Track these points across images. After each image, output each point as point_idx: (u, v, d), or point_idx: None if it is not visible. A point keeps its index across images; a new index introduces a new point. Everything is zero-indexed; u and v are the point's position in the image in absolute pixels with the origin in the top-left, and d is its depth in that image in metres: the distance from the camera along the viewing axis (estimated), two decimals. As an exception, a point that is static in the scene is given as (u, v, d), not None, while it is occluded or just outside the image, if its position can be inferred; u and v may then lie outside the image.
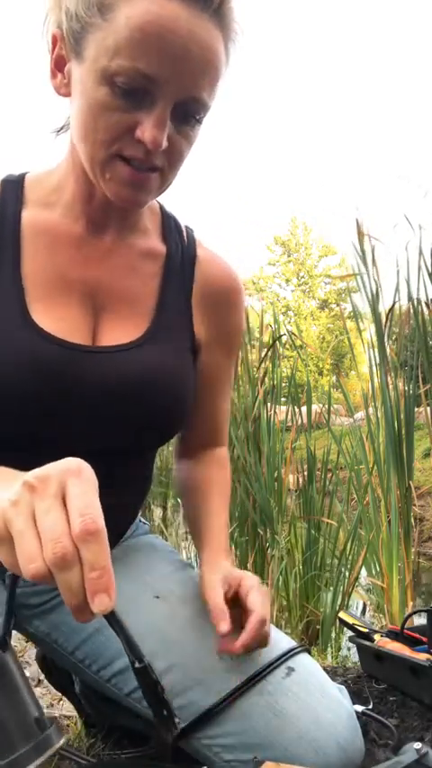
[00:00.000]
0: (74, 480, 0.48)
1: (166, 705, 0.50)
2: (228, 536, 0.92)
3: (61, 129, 0.83)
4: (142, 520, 1.05)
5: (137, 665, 0.49)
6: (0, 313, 0.75)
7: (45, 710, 1.35)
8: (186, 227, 0.93)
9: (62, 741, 0.49)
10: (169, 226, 0.90)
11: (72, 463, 0.50)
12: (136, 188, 0.72)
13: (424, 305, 2.41)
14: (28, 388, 0.74)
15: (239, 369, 2.70)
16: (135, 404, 0.79)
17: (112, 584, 0.46)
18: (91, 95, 0.67)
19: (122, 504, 0.91)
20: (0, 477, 0.57)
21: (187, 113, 0.70)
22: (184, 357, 0.86)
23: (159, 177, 0.73)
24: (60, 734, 0.49)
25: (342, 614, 1.23)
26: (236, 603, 0.77)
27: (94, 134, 0.69)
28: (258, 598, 0.76)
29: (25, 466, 0.79)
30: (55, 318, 0.77)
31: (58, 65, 0.72)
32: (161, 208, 0.91)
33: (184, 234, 0.91)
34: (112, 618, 0.47)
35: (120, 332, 0.81)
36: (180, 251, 0.89)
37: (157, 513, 4.49)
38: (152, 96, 0.67)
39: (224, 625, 0.73)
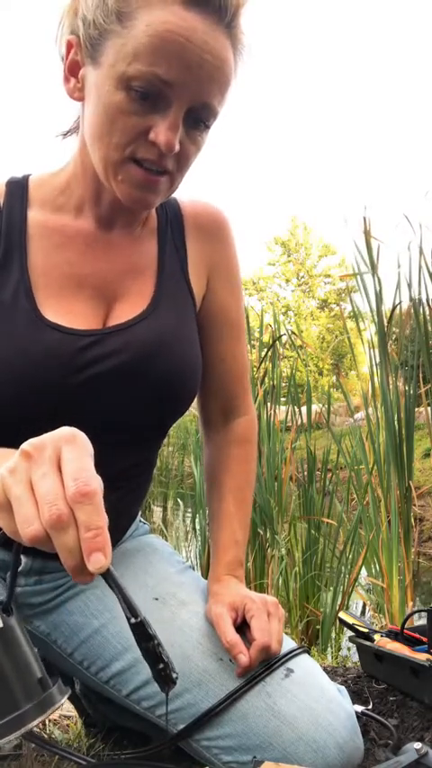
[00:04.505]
0: (68, 447, 0.50)
1: (162, 660, 0.51)
2: (241, 541, 0.92)
3: (68, 132, 0.84)
4: (142, 520, 1.05)
5: (132, 620, 0.50)
6: (10, 313, 0.77)
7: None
8: None
9: (64, 699, 0.51)
10: None
11: (66, 431, 0.52)
12: (147, 190, 0.74)
13: (425, 305, 2.41)
14: (43, 380, 0.75)
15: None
16: (143, 373, 0.80)
17: (107, 543, 0.47)
18: (108, 99, 0.69)
19: (125, 502, 0.92)
20: (1, 455, 0.59)
21: (198, 119, 0.72)
22: (187, 321, 0.88)
23: (168, 180, 0.75)
24: (63, 692, 0.51)
25: (342, 614, 1.23)
26: (245, 622, 0.80)
27: (108, 136, 0.71)
28: (259, 624, 0.78)
29: None
30: (65, 312, 0.79)
31: (72, 70, 0.74)
32: None
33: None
34: (108, 576, 0.49)
35: (127, 311, 0.83)
36: (166, 214, 0.91)
37: (157, 513, 4.49)
38: (167, 101, 0.69)
39: (243, 657, 0.76)
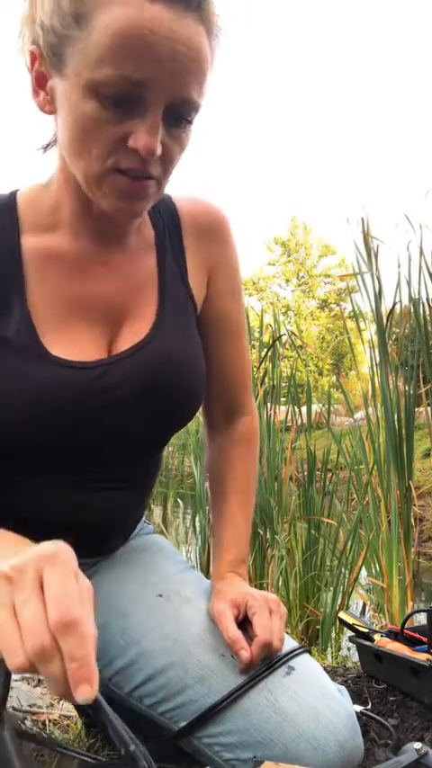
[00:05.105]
0: (50, 568, 0.48)
1: None
2: (244, 540, 0.92)
3: (48, 145, 0.79)
4: (146, 520, 1.05)
5: (122, 751, 0.49)
6: (15, 351, 0.74)
7: (45, 710, 1.35)
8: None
9: None
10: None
11: (47, 549, 0.50)
12: (134, 198, 0.70)
13: (425, 304, 2.42)
14: (55, 413, 0.74)
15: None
16: (150, 396, 0.80)
17: (92, 673, 0.46)
18: (79, 110, 0.65)
19: (131, 501, 0.92)
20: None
21: (178, 116, 0.67)
22: (191, 333, 0.87)
23: (155, 184, 0.71)
24: None
25: (342, 614, 1.23)
26: (247, 619, 0.80)
27: (87, 150, 0.67)
28: (261, 621, 0.78)
29: (54, 485, 0.80)
30: (69, 343, 0.76)
31: (40, 82, 0.69)
32: None
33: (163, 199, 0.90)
34: (97, 705, 0.48)
35: (133, 333, 0.81)
36: (162, 218, 0.88)
37: (157, 513, 4.49)
38: (143, 103, 0.64)
39: (244, 653, 0.76)
